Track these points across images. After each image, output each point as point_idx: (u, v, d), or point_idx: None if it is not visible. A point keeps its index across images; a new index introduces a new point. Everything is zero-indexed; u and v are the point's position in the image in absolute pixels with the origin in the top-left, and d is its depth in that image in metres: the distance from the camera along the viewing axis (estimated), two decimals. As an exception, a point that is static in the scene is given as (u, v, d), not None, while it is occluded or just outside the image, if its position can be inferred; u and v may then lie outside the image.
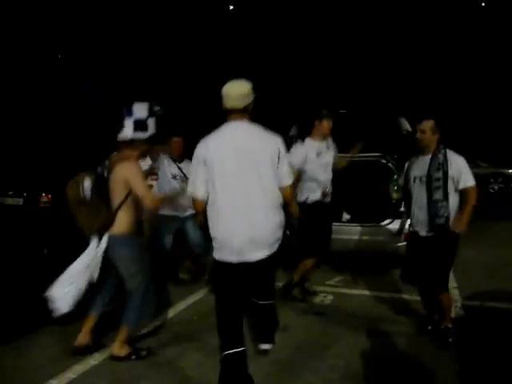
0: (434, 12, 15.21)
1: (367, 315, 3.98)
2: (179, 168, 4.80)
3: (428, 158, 3.40)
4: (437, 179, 3.28)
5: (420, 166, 3.46)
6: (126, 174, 2.88)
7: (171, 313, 4.12)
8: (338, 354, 3.19)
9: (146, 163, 4.79)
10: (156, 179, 4.57)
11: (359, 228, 5.37)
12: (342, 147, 5.35)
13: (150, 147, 3.12)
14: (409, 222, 3.66)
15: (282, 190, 2.63)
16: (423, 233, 3.40)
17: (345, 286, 4.91)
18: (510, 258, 5.82)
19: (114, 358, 3.10)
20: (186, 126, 6.17)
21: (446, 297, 3.39)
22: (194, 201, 2.60)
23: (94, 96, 13.49)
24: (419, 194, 3.41)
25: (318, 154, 4.24)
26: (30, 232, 3.80)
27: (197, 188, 2.53)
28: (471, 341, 3.38)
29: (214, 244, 2.60)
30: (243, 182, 2.48)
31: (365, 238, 5.33)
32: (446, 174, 3.26)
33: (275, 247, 2.64)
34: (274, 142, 2.59)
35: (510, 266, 5.44)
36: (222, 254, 2.55)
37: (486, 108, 16.32)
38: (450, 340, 3.29)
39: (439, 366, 2.99)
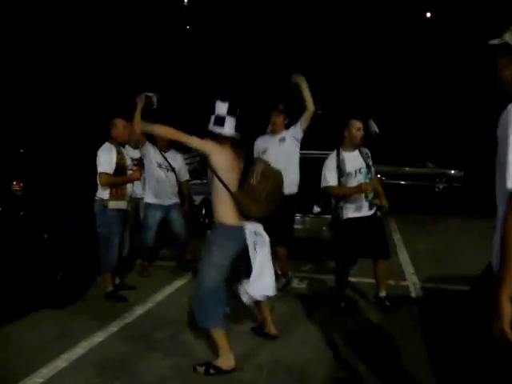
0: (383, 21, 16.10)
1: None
2: (164, 157, 4.98)
3: (355, 152, 3.93)
4: (371, 167, 3.94)
5: (353, 161, 3.89)
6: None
7: (160, 296, 4.35)
8: (309, 330, 3.60)
9: (135, 153, 4.97)
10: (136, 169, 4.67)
11: (329, 219, 5.82)
12: (317, 145, 5.80)
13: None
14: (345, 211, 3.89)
15: None
16: (364, 213, 3.87)
17: (317, 272, 5.34)
18: (455, 247, 6.56)
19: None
20: (173, 117, 6.36)
21: (388, 266, 4.10)
22: None
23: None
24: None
25: (264, 151, 4.43)
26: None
27: None
28: (430, 315, 3.93)
29: None
30: None
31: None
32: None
33: None
34: None
35: (455, 254, 6.13)
36: None
37: (434, 113, 17.50)
38: (388, 304, 3.96)
39: (402, 333, 3.48)
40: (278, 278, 4.56)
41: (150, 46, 15.02)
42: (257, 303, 3.21)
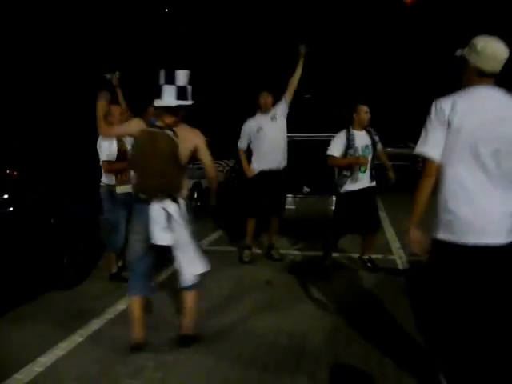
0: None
1: (330, 271, 4.71)
2: None
3: (363, 132, 4.47)
4: (376, 144, 4.47)
5: (361, 138, 4.42)
6: (196, 140, 2.91)
7: (162, 276, 4.56)
8: (306, 300, 3.90)
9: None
10: None
11: (318, 199, 6.09)
12: (306, 128, 6.02)
13: (187, 114, 2.98)
14: (345, 185, 4.43)
15: None
16: (362, 186, 4.39)
17: (308, 249, 5.62)
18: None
19: (184, 339, 3.04)
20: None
21: (375, 237, 4.71)
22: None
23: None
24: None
25: (259, 129, 4.83)
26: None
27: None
28: (416, 284, 4.23)
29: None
30: None
31: (323, 207, 6.06)
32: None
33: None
34: None
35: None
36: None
37: (415, 95, 17.82)
38: (370, 266, 4.65)
39: (391, 300, 3.78)
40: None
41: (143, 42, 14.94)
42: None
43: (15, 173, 5.47)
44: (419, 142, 2.23)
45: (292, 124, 5.12)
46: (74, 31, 13.36)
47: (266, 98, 4.85)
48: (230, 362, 2.83)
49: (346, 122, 4.59)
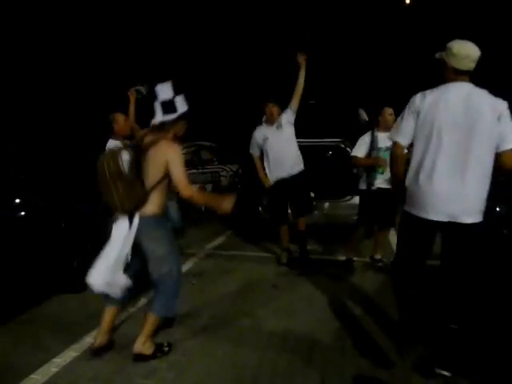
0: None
1: (332, 274, 4.78)
2: None
3: (387, 133, 4.37)
4: None
5: (385, 139, 4.40)
6: (168, 155, 2.71)
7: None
8: (312, 303, 3.97)
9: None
10: None
11: (322, 204, 6.17)
12: (311, 133, 6.11)
13: (183, 125, 2.91)
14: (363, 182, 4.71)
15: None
16: (385, 186, 4.50)
17: (314, 253, 5.68)
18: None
19: (137, 357, 2.92)
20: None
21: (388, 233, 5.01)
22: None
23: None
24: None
25: (265, 140, 4.90)
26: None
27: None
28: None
29: None
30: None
31: (328, 212, 6.14)
32: None
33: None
34: None
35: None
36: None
37: (401, 92, 17.84)
38: (380, 265, 4.81)
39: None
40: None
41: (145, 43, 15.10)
42: None
43: (27, 176, 5.56)
44: (393, 130, 2.70)
45: (297, 129, 5.21)
46: (73, 31, 13.49)
47: (271, 109, 4.88)
48: (241, 362, 2.90)
49: (349, 127, 4.69)
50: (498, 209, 3.00)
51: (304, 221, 5.13)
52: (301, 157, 5.06)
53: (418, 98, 2.54)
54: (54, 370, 2.83)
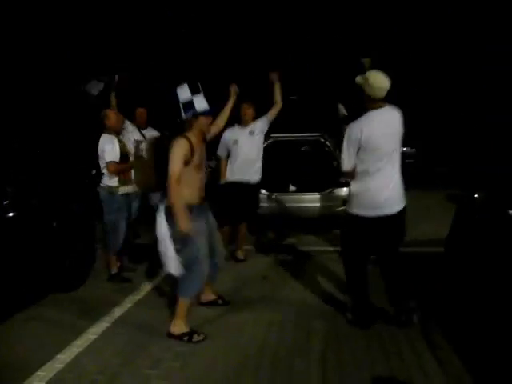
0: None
1: (317, 263, 4.98)
2: (142, 134, 5.28)
3: None
4: None
5: None
6: (171, 149, 3.01)
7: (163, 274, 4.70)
8: (306, 292, 4.14)
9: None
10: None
11: (304, 197, 6.35)
12: (292, 127, 6.27)
13: (206, 121, 3.19)
14: None
15: None
16: None
17: (298, 245, 5.88)
18: (412, 216, 7.18)
19: (168, 335, 3.19)
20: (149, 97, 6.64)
21: None
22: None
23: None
24: None
25: (235, 142, 4.87)
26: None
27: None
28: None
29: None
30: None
31: (309, 204, 6.33)
32: None
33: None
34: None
35: (413, 222, 6.84)
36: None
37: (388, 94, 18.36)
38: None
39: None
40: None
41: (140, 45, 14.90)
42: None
43: (20, 176, 5.47)
44: (343, 162, 3.18)
45: (278, 125, 5.33)
46: (73, 31, 13.19)
47: (245, 110, 4.85)
48: (243, 351, 3.02)
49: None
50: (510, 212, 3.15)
51: (245, 226, 5.20)
52: (260, 170, 5.02)
53: (357, 131, 3.05)
54: (60, 366, 2.87)
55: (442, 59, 16.72)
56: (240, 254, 5.23)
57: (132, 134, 5.14)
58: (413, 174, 14.77)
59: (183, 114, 3.15)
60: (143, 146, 5.03)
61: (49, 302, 3.98)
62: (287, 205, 6.39)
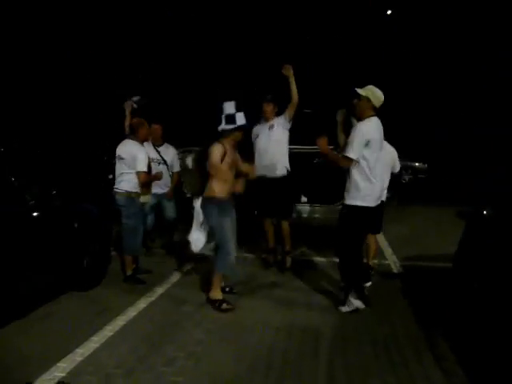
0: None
1: (325, 271, 5.08)
2: (158, 151, 5.46)
3: None
4: None
5: None
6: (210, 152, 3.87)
7: (174, 278, 4.83)
8: (312, 298, 4.24)
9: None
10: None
11: (316, 208, 6.46)
12: (305, 141, 6.40)
13: (240, 134, 4.04)
14: None
15: None
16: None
17: (308, 255, 5.98)
18: (423, 231, 7.47)
19: (208, 301, 4.00)
20: (164, 114, 6.84)
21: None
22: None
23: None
24: None
25: (256, 137, 5.07)
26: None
27: None
28: (409, 285, 4.64)
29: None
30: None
31: (320, 216, 6.43)
32: None
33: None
34: None
35: (423, 237, 7.03)
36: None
37: (398, 109, 18.54)
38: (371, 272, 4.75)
39: (389, 299, 4.17)
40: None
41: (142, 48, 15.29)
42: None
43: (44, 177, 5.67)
44: (351, 150, 3.70)
45: (292, 137, 5.46)
46: (74, 32, 13.58)
47: (266, 107, 5.04)
48: (254, 352, 3.15)
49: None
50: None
51: (286, 224, 5.21)
52: (286, 163, 5.14)
53: (366, 132, 3.73)
54: (79, 358, 3.01)
55: (453, 74, 16.84)
56: (287, 261, 5.21)
57: (148, 151, 5.31)
58: (424, 189, 14.94)
59: (224, 125, 3.93)
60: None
61: (66, 299, 4.13)
62: (298, 215, 6.50)
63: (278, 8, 16.01)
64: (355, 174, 3.76)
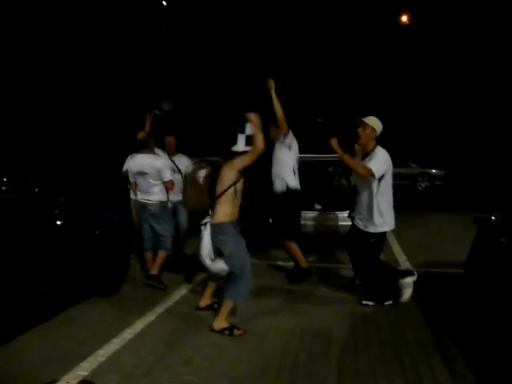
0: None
1: (337, 278, 5.15)
2: (172, 161, 5.61)
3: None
4: None
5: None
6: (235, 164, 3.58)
7: (190, 285, 4.99)
8: (325, 304, 4.33)
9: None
10: None
11: (329, 215, 6.55)
12: (318, 149, 6.53)
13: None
14: None
15: None
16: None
17: (321, 261, 6.07)
18: (438, 238, 7.47)
19: (212, 330, 3.63)
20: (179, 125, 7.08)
21: None
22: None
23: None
24: None
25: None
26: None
27: None
28: (424, 292, 4.68)
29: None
30: None
31: (334, 223, 6.52)
32: None
33: None
34: None
35: (439, 244, 7.03)
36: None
37: (415, 115, 18.50)
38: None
39: (403, 306, 4.22)
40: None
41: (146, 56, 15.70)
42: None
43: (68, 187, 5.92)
44: (375, 164, 3.96)
45: (306, 145, 5.60)
46: (75, 32, 14.00)
47: (272, 132, 5.10)
48: (266, 354, 3.27)
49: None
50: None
51: (286, 242, 5.11)
52: (286, 181, 5.09)
53: (388, 158, 4.13)
54: (101, 359, 3.18)
55: (472, 80, 16.72)
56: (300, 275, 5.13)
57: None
58: (441, 196, 14.84)
59: (244, 147, 3.63)
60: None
61: (88, 304, 4.32)
62: (312, 222, 6.61)
63: (292, 19, 16.27)
64: (380, 201, 4.05)
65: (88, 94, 14.12)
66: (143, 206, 4.91)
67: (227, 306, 3.67)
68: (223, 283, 3.86)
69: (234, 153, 3.68)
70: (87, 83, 14.18)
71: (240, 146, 3.65)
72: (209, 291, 4.14)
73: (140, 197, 4.93)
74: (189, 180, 3.81)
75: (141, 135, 5.02)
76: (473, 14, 16.21)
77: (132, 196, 5.73)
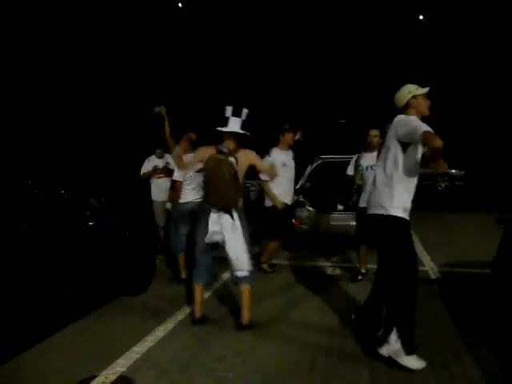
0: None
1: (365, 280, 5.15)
2: None
3: (373, 153, 4.60)
4: None
5: (369, 159, 4.91)
6: (253, 160, 3.76)
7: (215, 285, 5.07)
8: (327, 301, 4.35)
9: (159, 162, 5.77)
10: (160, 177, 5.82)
11: (352, 216, 6.56)
12: (340, 150, 6.57)
13: (232, 143, 3.65)
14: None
15: None
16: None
17: (345, 262, 6.09)
18: (459, 238, 7.46)
19: (241, 327, 3.70)
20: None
21: None
22: None
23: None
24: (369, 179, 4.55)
25: (284, 164, 5.16)
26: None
27: None
28: (448, 291, 4.68)
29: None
30: None
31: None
32: None
33: None
34: None
35: (460, 243, 7.02)
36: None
37: (435, 116, 18.21)
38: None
39: (428, 305, 4.23)
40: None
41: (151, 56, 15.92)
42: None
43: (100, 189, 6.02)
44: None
45: (328, 146, 5.67)
46: (75, 32, 14.22)
47: (288, 136, 5.23)
48: (297, 351, 3.33)
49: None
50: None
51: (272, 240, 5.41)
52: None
53: None
54: (136, 356, 3.27)
55: (491, 79, 16.51)
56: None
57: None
58: (461, 196, 14.64)
59: (238, 129, 3.68)
60: None
61: (118, 303, 4.43)
62: (335, 223, 6.65)
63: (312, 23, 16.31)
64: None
65: (88, 94, 14.31)
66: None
67: (249, 295, 3.74)
68: (232, 278, 3.87)
69: (219, 132, 3.66)
70: (87, 83, 14.40)
71: (234, 127, 3.63)
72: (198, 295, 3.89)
73: (193, 197, 4.86)
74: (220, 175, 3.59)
75: (192, 135, 4.91)
76: (485, 13, 16.00)
77: (154, 198, 5.85)
